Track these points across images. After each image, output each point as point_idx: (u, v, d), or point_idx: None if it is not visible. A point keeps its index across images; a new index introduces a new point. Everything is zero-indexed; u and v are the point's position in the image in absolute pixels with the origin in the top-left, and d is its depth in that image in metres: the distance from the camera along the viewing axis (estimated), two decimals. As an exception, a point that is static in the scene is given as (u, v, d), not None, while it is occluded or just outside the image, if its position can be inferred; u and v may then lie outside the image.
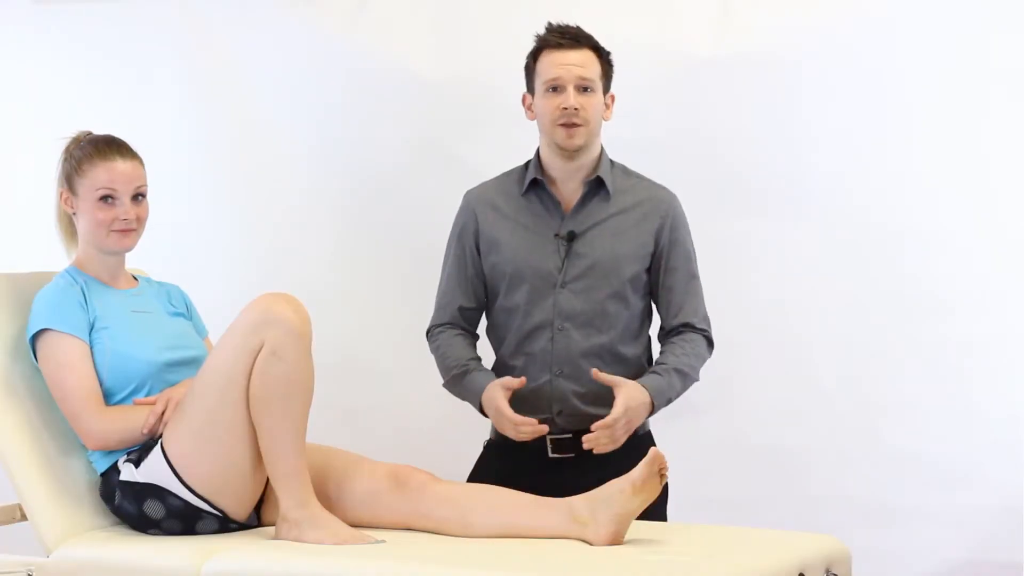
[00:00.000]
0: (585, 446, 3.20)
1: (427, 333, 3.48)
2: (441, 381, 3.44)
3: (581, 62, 3.28)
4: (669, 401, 3.29)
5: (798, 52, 4.02)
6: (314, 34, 4.40)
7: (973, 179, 3.92)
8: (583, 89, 3.27)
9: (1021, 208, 3.89)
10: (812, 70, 4.02)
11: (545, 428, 3.23)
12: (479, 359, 3.40)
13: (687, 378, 3.32)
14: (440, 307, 3.46)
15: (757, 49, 4.05)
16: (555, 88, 3.28)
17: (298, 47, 4.40)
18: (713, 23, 4.09)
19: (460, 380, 3.36)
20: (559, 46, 3.29)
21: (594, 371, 3.23)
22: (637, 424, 3.23)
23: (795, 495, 4.03)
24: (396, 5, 4.34)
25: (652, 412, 3.26)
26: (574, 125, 3.27)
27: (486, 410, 3.29)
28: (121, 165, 3.11)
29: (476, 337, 3.47)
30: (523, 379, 3.26)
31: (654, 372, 3.30)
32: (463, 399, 3.38)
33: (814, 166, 4.04)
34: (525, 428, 3.22)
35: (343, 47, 4.37)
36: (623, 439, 3.21)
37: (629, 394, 3.20)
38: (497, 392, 3.25)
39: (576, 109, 3.26)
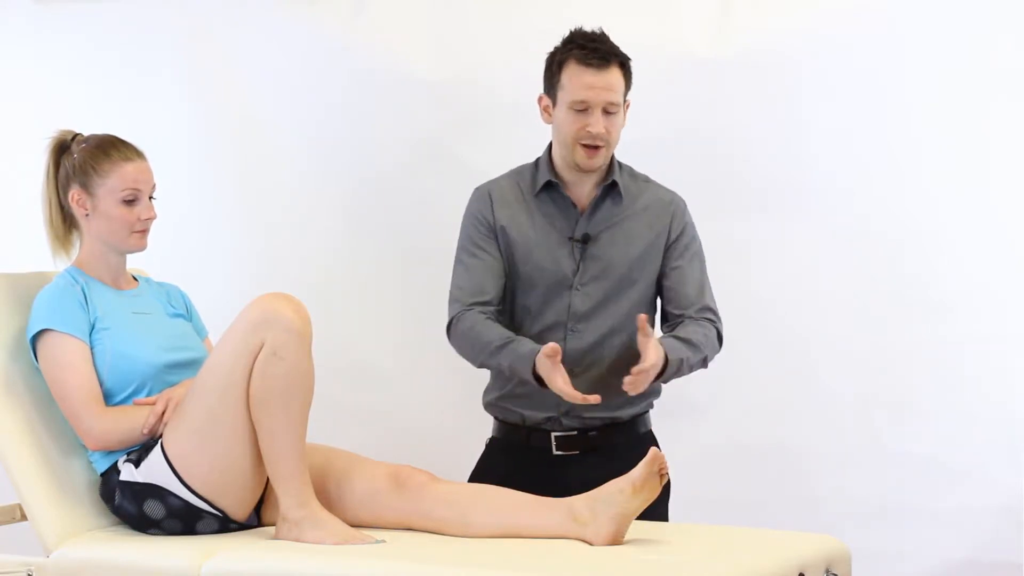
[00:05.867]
0: (628, 389, 3.13)
1: (448, 327, 3.36)
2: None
3: (609, 84, 3.24)
4: (680, 365, 3.20)
5: (798, 52, 4.02)
6: (314, 34, 4.40)
7: (973, 179, 3.92)
8: (609, 112, 3.26)
9: (1021, 208, 3.89)
10: (812, 70, 4.02)
11: (596, 398, 3.16)
12: None
13: (697, 351, 3.24)
14: (458, 299, 3.34)
15: (757, 49, 4.05)
16: (581, 110, 3.26)
17: (298, 47, 4.41)
18: (713, 23, 4.10)
19: (506, 347, 3.24)
20: (588, 65, 3.23)
21: (642, 318, 3.14)
22: (650, 379, 3.16)
23: (795, 495, 4.03)
24: (396, 5, 4.34)
25: (664, 373, 3.17)
26: (596, 147, 3.26)
27: (540, 371, 3.17)
28: (142, 164, 3.12)
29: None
30: (556, 346, 3.15)
31: (670, 336, 3.24)
32: (511, 367, 3.23)
33: (814, 166, 4.04)
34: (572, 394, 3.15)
35: (343, 47, 4.37)
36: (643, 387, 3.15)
37: (656, 347, 3.14)
38: (543, 361, 3.15)
39: (601, 134, 3.24)
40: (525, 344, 3.24)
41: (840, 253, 4.02)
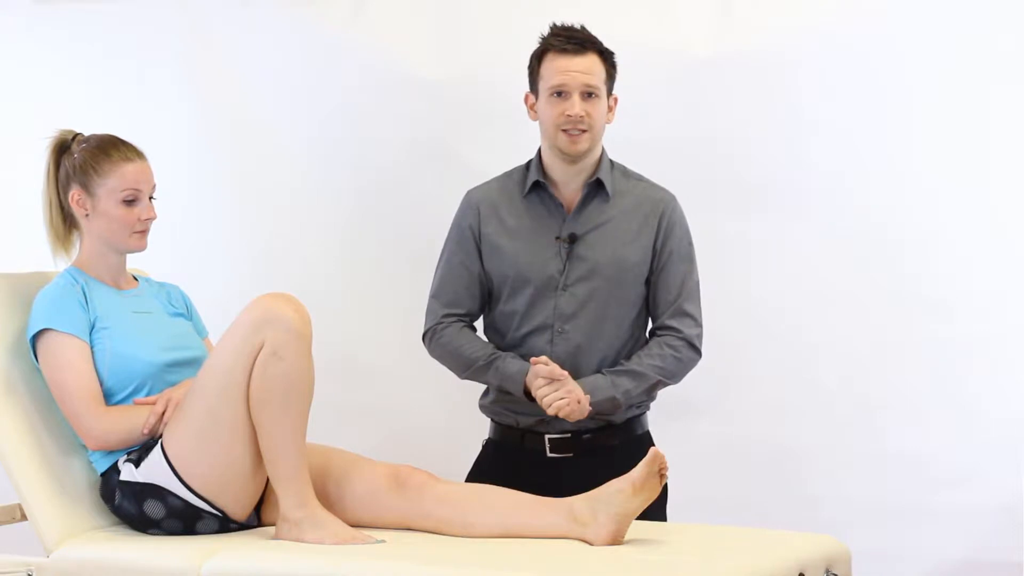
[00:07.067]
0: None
1: (425, 336, 3.43)
2: (454, 376, 3.40)
3: (586, 68, 3.26)
4: (615, 401, 3.26)
5: (798, 52, 4.02)
6: (314, 34, 4.39)
7: (973, 179, 3.92)
8: (588, 95, 3.26)
9: (1021, 208, 3.89)
10: (812, 70, 4.03)
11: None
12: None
13: (642, 378, 3.29)
14: (436, 309, 3.41)
15: (757, 49, 4.05)
16: (560, 94, 3.27)
17: (298, 47, 4.40)
18: (713, 23, 4.10)
19: (491, 365, 3.32)
20: (564, 51, 3.27)
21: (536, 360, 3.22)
22: (577, 415, 3.21)
23: (795, 495, 4.03)
24: (396, 5, 4.34)
25: (592, 409, 3.23)
26: (579, 131, 3.27)
27: (531, 387, 3.25)
28: (142, 165, 3.12)
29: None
30: (545, 358, 3.23)
31: (600, 372, 3.29)
32: (500, 386, 3.32)
33: (814, 166, 4.04)
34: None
35: (343, 47, 4.37)
36: (564, 403, 3.19)
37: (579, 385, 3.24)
38: (533, 378, 3.23)
39: (581, 117, 3.25)
40: (511, 363, 3.28)
41: (840, 253, 4.02)
